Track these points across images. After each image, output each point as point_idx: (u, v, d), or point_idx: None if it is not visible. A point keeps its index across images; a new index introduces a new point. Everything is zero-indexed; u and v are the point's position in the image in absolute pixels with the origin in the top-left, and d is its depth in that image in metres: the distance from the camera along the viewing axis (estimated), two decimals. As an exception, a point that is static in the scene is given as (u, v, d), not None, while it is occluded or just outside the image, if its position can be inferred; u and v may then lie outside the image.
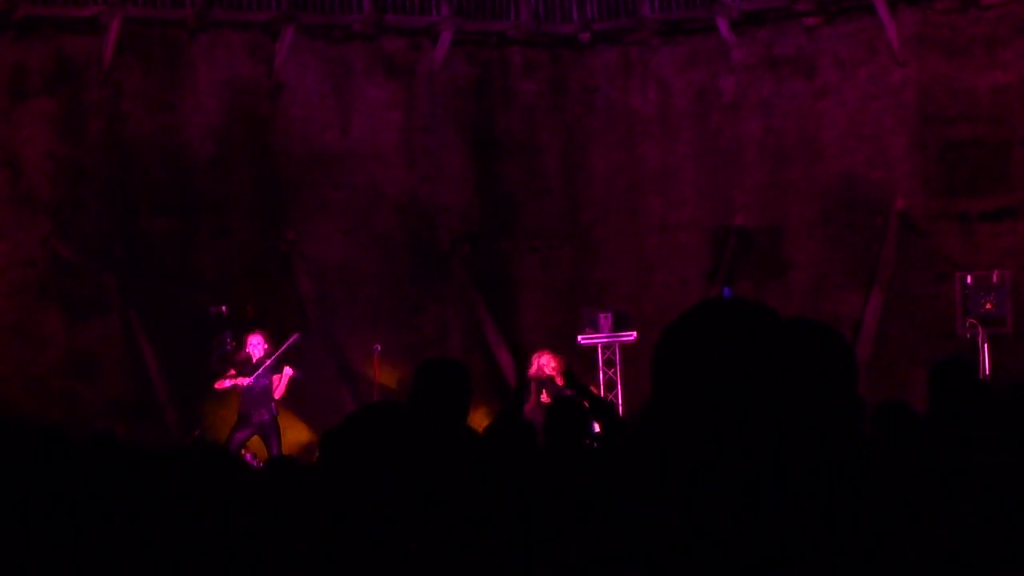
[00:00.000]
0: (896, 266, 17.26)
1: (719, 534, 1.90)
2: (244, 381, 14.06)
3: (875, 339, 17.07)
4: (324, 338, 17.04)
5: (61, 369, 16.52)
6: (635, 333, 16.56)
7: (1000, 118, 16.93)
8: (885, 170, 17.52)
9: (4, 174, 16.72)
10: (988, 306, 14.89)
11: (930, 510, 2.93)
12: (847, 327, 16.60)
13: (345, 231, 18.07)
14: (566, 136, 19.19)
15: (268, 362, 14.14)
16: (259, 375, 14.06)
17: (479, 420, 12.10)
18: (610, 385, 16.73)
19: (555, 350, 14.71)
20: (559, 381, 14.03)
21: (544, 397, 13.89)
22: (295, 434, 15.53)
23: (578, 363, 15.47)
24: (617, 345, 16.77)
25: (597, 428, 12.27)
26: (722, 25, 18.23)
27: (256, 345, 14.30)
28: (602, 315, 16.76)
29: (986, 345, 14.68)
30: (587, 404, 12.09)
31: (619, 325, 16.69)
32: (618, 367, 16.76)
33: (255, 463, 11.27)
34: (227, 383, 14.19)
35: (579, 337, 16.80)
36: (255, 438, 14.19)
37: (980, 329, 14.80)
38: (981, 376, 13.59)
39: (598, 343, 16.80)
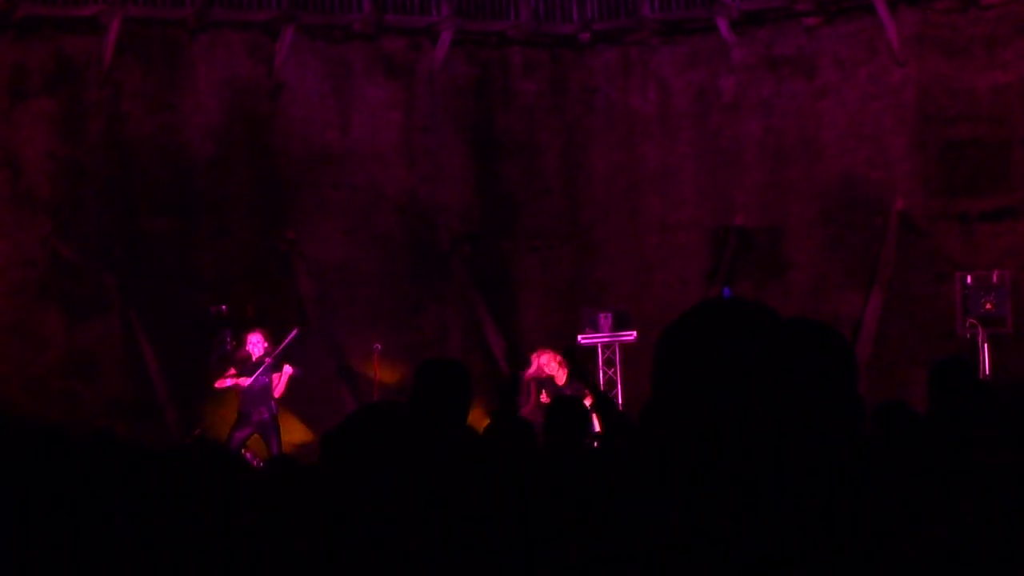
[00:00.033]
0: (896, 266, 17.26)
1: (719, 534, 1.90)
2: (244, 382, 14.06)
3: (875, 339, 17.07)
4: (324, 338, 17.04)
5: (61, 369, 16.52)
6: (635, 333, 16.56)
7: (1000, 118, 16.93)
8: (885, 170, 17.52)
9: (4, 174, 16.72)
10: (988, 306, 14.89)
11: (930, 510, 2.92)
12: (847, 327, 16.60)
13: (345, 231, 18.07)
14: (566, 136, 19.19)
15: (270, 359, 14.15)
16: (259, 374, 14.06)
17: (479, 420, 12.10)
18: (610, 385, 16.74)
19: (555, 351, 14.73)
20: (559, 381, 14.04)
21: (544, 397, 13.90)
22: (296, 434, 15.53)
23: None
24: (617, 345, 16.78)
25: (597, 427, 12.26)
26: (722, 25, 18.24)
27: (256, 344, 14.30)
28: (602, 315, 16.76)
29: (986, 345, 14.68)
30: (589, 395, 12.09)
31: (619, 325, 16.69)
32: (618, 367, 16.76)
33: (255, 462, 11.27)
34: (227, 382, 14.19)
35: (579, 337, 16.80)
36: (255, 437, 14.19)
37: (980, 329, 14.80)
38: (981, 376, 13.59)
39: (598, 343, 16.80)
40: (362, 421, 2.83)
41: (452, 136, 18.74)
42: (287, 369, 14.26)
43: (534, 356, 14.56)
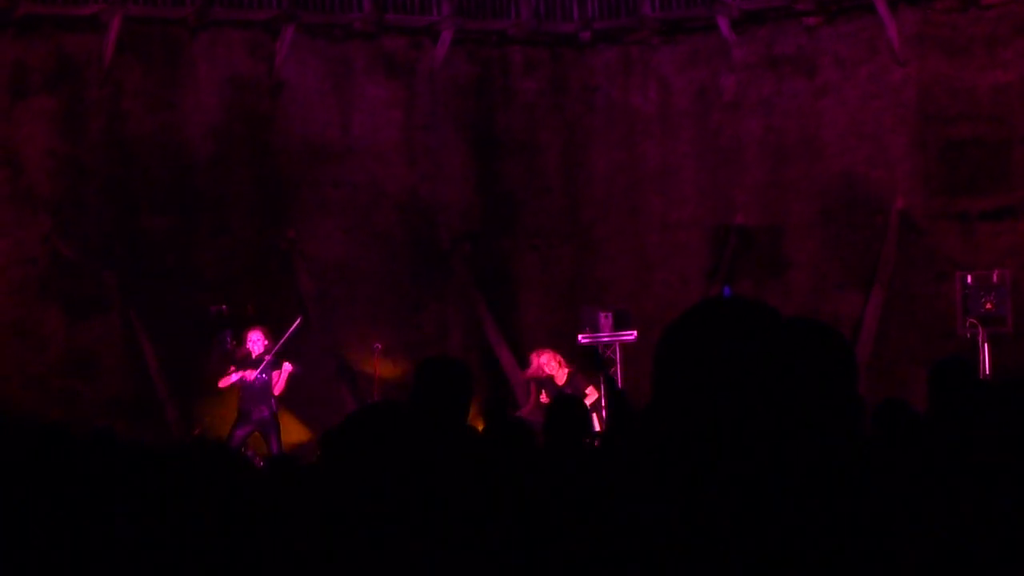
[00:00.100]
0: (896, 265, 17.26)
1: (719, 534, 1.90)
2: (250, 374, 14.07)
3: (875, 338, 17.07)
4: (324, 336, 17.04)
5: (61, 368, 16.52)
6: (635, 332, 16.55)
7: (1000, 117, 16.93)
8: (885, 169, 17.52)
9: (4, 172, 16.72)
10: (988, 306, 14.88)
11: (930, 510, 2.92)
12: (847, 326, 16.60)
13: (345, 229, 18.07)
14: (566, 135, 19.19)
15: (273, 351, 14.16)
16: (262, 369, 14.07)
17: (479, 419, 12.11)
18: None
19: (555, 351, 14.73)
20: (559, 381, 14.05)
21: (544, 397, 13.90)
22: (295, 433, 15.53)
23: (578, 362, 15.48)
24: (617, 344, 16.77)
25: (597, 427, 12.28)
26: (723, 24, 18.23)
27: (256, 341, 14.32)
28: (602, 314, 16.75)
29: (986, 345, 14.68)
30: (591, 393, 12.05)
31: (619, 324, 16.68)
32: (618, 366, 16.75)
33: (256, 461, 11.28)
34: (233, 377, 14.19)
35: (579, 336, 16.79)
36: (255, 435, 14.20)
37: (980, 329, 14.79)
38: (981, 376, 13.58)
39: (598, 342, 16.80)
40: (362, 421, 2.83)
41: (452, 135, 18.74)
42: (286, 367, 14.26)
43: (534, 355, 14.56)
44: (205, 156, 17.51)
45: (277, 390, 14.22)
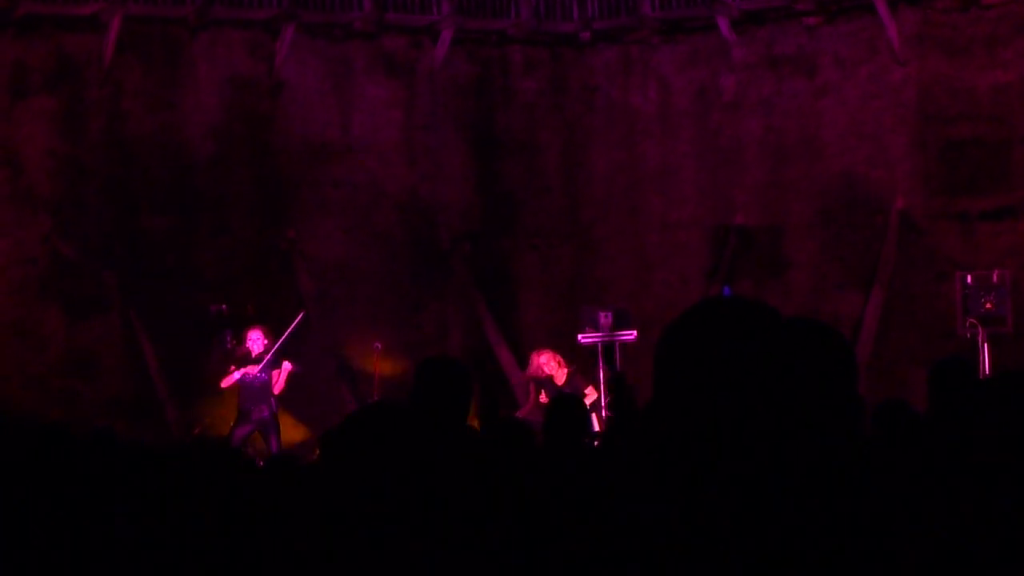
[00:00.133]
0: (896, 265, 17.26)
1: (719, 534, 1.90)
2: (253, 370, 14.06)
3: (875, 338, 17.07)
4: (324, 336, 17.04)
5: (61, 368, 16.52)
6: (635, 332, 16.53)
7: (1000, 117, 16.93)
8: (885, 169, 17.52)
9: (4, 172, 16.72)
10: (988, 306, 14.88)
11: (930, 510, 2.92)
12: (847, 326, 16.60)
13: (345, 229, 18.07)
14: (566, 135, 19.19)
15: (276, 347, 14.17)
16: (264, 366, 14.07)
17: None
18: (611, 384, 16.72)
19: (554, 351, 14.72)
20: (558, 381, 14.04)
21: (543, 397, 13.89)
22: (295, 433, 15.53)
23: (578, 362, 15.49)
24: (617, 344, 16.75)
25: (597, 427, 12.27)
26: (722, 24, 18.23)
27: (256, 340, 14.31)
28: (602, 314, 16.74)
29: (986, 345, 14.67)
30: (590, 393, 12.02)
31: (619, 324, 16.66)
32: (618, 366, 16.73)
33: (258, 461, 11.26)
34: (235, 376, 14.18)
35: (579, 336, 16.78)
36: (255, 435, 14.20)
37: (980, 329, 14.79)
38: (981, 376, 13.58)
39: (598, 342, 16.79)
40: (362, 421, 2.82)
41: (452, 134, 18.74)
42: (286, 365, 14.26)
43: (534, 355, 14.56)
44: (205, 156, 17.51)
45: (277, 389, 14.22)
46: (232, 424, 14.24)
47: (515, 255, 18.88)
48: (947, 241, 17.10)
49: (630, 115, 19.05)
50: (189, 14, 17.33)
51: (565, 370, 14.17)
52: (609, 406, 13.85)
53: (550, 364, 14.14)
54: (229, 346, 14.70)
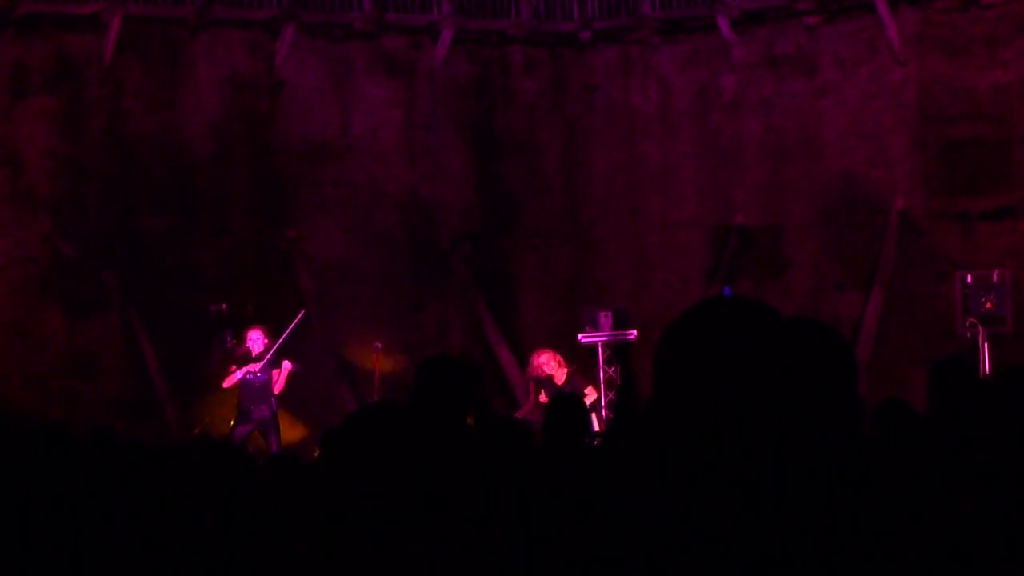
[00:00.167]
0: (896, 265, 17.26)
1: (719, 534, 1.90)
2: (255, 367, 14.06)
3: (875, 338, 17.07)
4: (324, 336, 17.04)
5: (61, 367, 16.52)
6: (635, 332, 16.55)
7: (1001, 117, 16.93)
8: (885, 169, 17.52)
9: (5, 172, 16.72)
10: (988, 305, 14.88)
11: (930, 510, 2.92)
12: (847, 326, 16.60)
13: (346, 229, 18.07)
14: (566, 135, 19.19)
15: (277, 345, 14.17)
16: (265, 365, 14.08)
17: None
18: (610, 384, 16.73)
19: (554, 351, 14.71)
20: (558, 381, 14.03)
21: (543, 397, 13.88)
22: (295, 432, 15.53)
23: (578, 362, 15.49)
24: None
25: (597, 426, 12.25)
26: (723, 24, 18.23)
27: (256, 340, 14.32)
28: (602, 314, 16.76)
29: (986, 344, 14.67)
30: (591, 392, 12.01)
31: (619, 324, 16.67)
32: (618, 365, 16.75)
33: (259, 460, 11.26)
34: (237, 376, 14.18)
35: (579, 336, 16.79)
36: (255, 434, 14.20)
37: (980, 328, 14.79)
38: (981, 376, 13.58)
39: (598, 342, 16.80)
40: (362, 421, 2.82)
41: (453, 134, 18.74)
42: (286, 365, 14.27)
43: (534, 355, 14.55)
44: (205, 156, 17.51)
45: (277, 388, 14.22)
46: (232, 423, 14.24)
47: (515, 255, 18.88)
48: (947, 241, 17.10)
49: (630, 115, 19.05)
50: (189, 14, 17.33)
51: (565, 370, 14.17)
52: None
53: (550, 364, 14.13)
54: (229, 345, 14.69)
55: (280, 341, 14.21)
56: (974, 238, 16.95)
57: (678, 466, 1.94)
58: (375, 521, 2.60)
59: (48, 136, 16.85)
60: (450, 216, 18.53)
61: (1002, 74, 16.93)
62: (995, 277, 15.15)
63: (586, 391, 13.88)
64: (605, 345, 16.51)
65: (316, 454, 12.02)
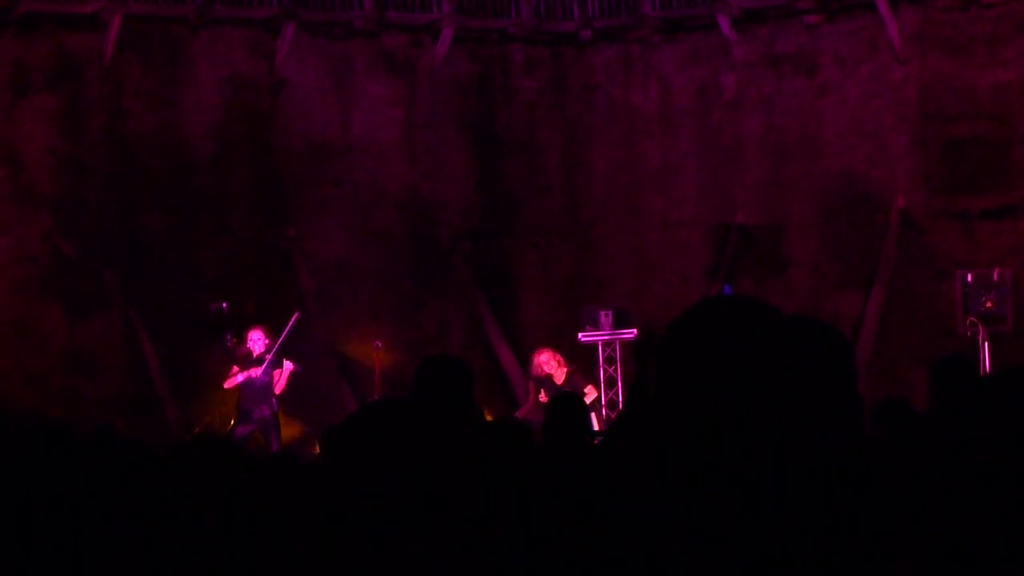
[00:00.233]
0: (897, 264, 17.26)
1: (719, 534, 1.90)
2: (256, 372, 14.06)
3: (876, 337, 17.07)
4: (325, 335, 17.04)
5: (62, 366, 16.53)
6: (635, 330, 16.55)
7: (1001, 116, 16.93)
8: (886, 168, 17.52)
9: (5, 170, 16.72)
10: (989, 304, 14.88)
11: (930, 510, 2.92)
12: (848, 325, 16.60)
13: (346, 228, 18.07)
14: (567, 133, 19.18)
15: (274, 349, 14.17)
16: (266, 367, 14.07)
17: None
18: (610, 383, 16.73)
19: (554, 350, 14.71)
20: (558, 380, 14.03)
21: (542, 396, 13.87)
22: (294, 430, 15.53)
23: (578, 360, 15.49)
24: (617, 343, 16.77)
25: (596, 426, 12.24)
26: (723, 23, 18.23)
27: (256, 340, 14.31)
28: (603, 312, 16.76)
29: (986, 343, 14.67)
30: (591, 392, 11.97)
31: (620, 323, 16.68)
32: (618, 364, 16.75)
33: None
34: (238, 378, 14.17)
35: (579, 335, 16.79)
36: (255, 434, 14.20)
37: (981, 327, 14.79)
38: (982, 374, 13.58)
39: (598, 341, 16.80)
40: (363, 420, 2.82)
41: (453, 133, 18.74)
42: (287, 365, 14.27)
43: (534, 355, 14.55)
44: (205, 155, 17.51)
45: (278, 389, 14.23)
46: (233, 423, 14.24)
47: (515, 254, 18.88)
48: (947, 240, 17.10)
49: (630, 114, 19.05)
50: (189, 13, 17.33)
51: (564, 369, 14.16)
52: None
53: (550, 363, 14.13)
54: (229, 344, 14.69)
55: (277, 345, 14.20)
56: (974, 237, 16.96)
57: (678, 466, 1.94)
58: (375, 521, 2.59)
59: (48, 135, 16.85)
60: (450, 215, 18.53)
61: (1003, 73, 16.93)
62: (995, 276, 15.15)
63: (586, 390, 13.87)
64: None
65: (316, 452, 12.02)
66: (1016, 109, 16.82)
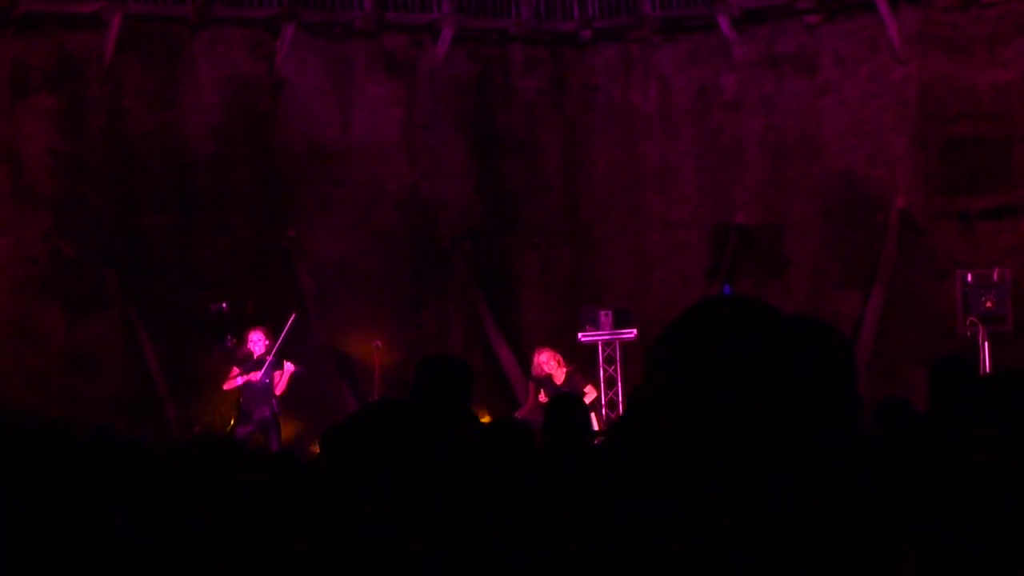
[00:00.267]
0: (897, 264, 17.26)
1: (719, 534, 1.90)
2: (256, 376, 14.06)
3: (876, 337, 17.07)
4: (325, 335, 17.04)
5: (62, 366, 16.53)
6: (635, 330, 16.55)
7: (1001, 116, 16.93)
8: (886, 168, 17.52)
9: (5, 170, 16.72)
10: (988, 304, 14.88)
11: (930, 510, 2.92)
12: (848, 325, 16.60)
13: (346, 228, 18.07)
14: (567, 134, 19.18)
15: (273, 351, 14.17)
16: (266, 369, 14.07)
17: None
18: (610, 382, 16.74)
19: (554, 350, 14.70)
20: (557, 380, 14.03)
21: (542, 396, 13.87)
22: (294, 430, 15.53)
23: (578, 361, 15.49)
24: (617, 343, 16.77)
25: (596, 426, 12.23)
26: (723, 23, 18.23)
27: (257, 341, 14.31)
28: (602, 312, 16.76)
29: (986, 343, 14.68)
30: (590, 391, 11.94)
31: (619, 323, 16.69)
32: (618, 364, 16.76)
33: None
34: (238, 381, 14.17)
35: (579, 335, 16.80)
36: (255, 434, 14.20)
37: (980, 327, 14.79)
38: (982, 374, 13.58)
39: (598, 341, 16.80)
40: (363, 420, 2.82)
41: (453, 133, 18.74)
42: (288, 366, 14.28)
43: (535, 354, 14.55)
44: (205, 154, 17.51)
45: (279, 390, 14.23)
46: (232, 423, 14.24)
47: (515, 254, 18.88)
48: (947, 240, 17.10)
49: (630, 114, 19.05)
50: (189, 13, 17.33)
51: (564, 369, 14.17)
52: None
53: (550, 363, 14.13)
54: (229, 345, 14.68)
55: (275, 347, 14.20)
56: (974, 237, 16.96)
57: (678, 466, 1.94)
58: (375, 521, 2.59)
59: (48, 135, 16.85)
60: (450, 215, 18.53)
61: (1003, 73, 16.93)
62: (995, 276, 15.15)
63: (586, 390, 13.87)
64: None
65: (316, 452, 12.03)
66: (1016, 109, 16.82)
